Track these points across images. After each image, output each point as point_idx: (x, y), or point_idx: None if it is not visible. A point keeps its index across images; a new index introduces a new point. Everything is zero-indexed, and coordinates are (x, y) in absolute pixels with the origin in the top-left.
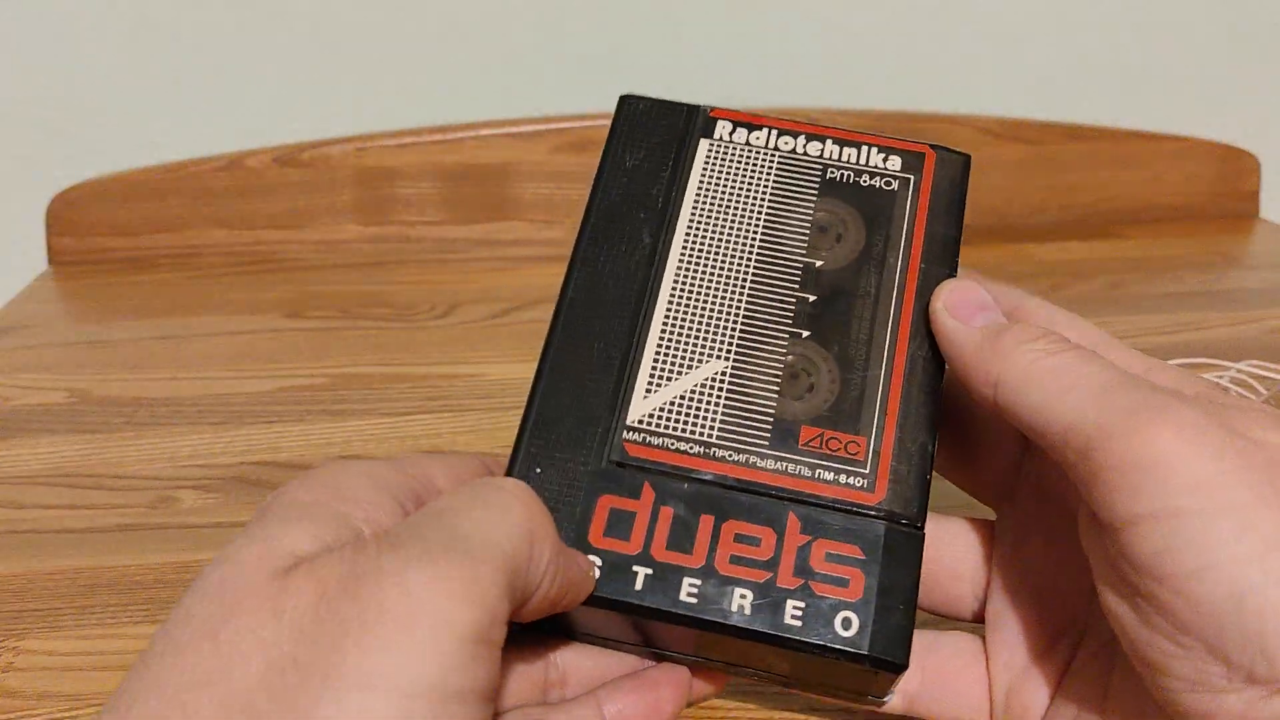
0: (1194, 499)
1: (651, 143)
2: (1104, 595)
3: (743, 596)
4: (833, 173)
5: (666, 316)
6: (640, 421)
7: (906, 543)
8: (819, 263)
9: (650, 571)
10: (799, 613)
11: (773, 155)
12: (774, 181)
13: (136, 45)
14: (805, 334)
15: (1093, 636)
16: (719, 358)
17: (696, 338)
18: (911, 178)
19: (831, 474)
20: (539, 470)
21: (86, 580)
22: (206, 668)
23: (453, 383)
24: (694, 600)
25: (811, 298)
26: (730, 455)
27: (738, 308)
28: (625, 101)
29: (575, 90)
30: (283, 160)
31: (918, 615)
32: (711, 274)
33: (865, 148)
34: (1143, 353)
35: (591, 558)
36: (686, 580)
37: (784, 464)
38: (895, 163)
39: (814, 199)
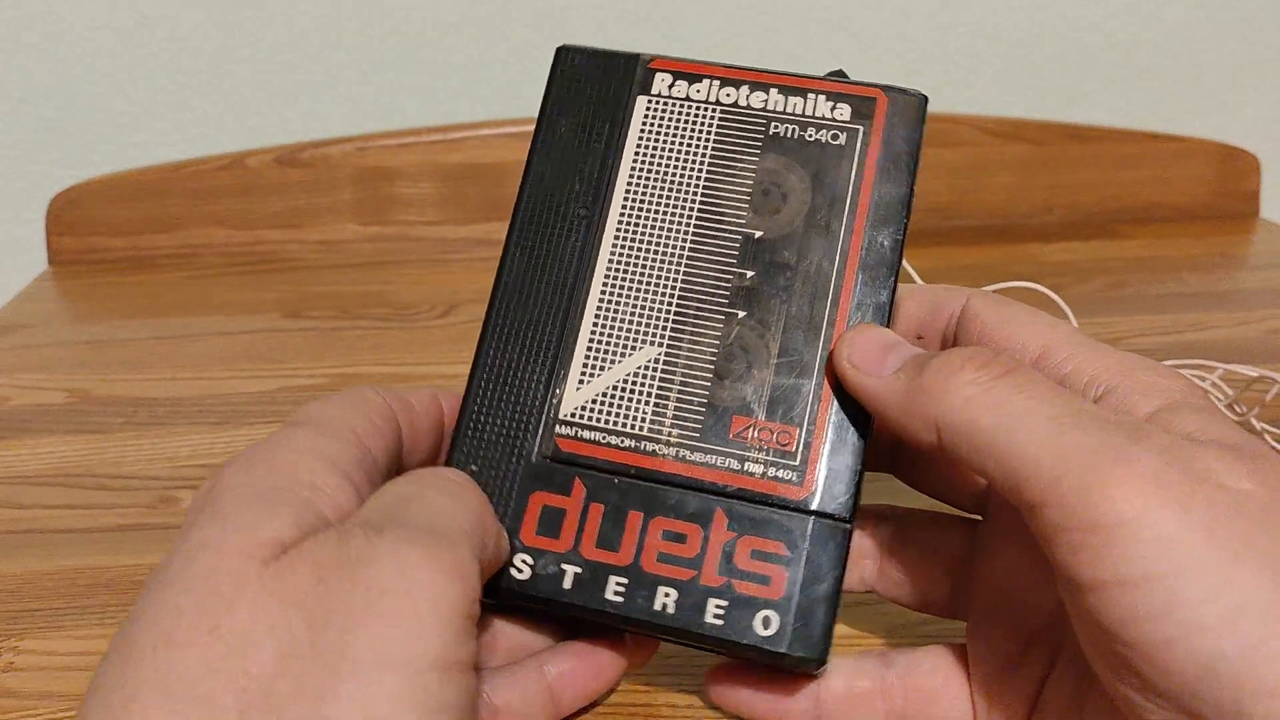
0: (1160, 562)
1: (586, 105)
2: (1080, 639)
3: (667, 595)
4: (776, 127)
5: (600, 301)
6: (573, 415)
7: (831, 540)
8: (759, 233)
9: (579, 570)
10: (721, 611)
11: (714, 110)
12: (714, 141)
13: (136, 45)
14: (742, 314)
15: (1065, 653)
16: (653, 344)
17: (630, 323)
18: (861, 128)
19: (760, 467)
20: (474, 468)
21: (86, 580)
22: (213, 658)
23: (452, 383)
24: (620, 599)
25: (749, 273)
26: (660, 449)
27: (673, 288)
28: (562, 53)
29: None
30: (283, 160)
31: (905, 613)
32: (647, 252)
33: (813, 95)
34: (1115, 348)
35: (523, 555)
36: (613, 579)
37: (713, 457)
38: (844, 111)
39: (756, 159)
